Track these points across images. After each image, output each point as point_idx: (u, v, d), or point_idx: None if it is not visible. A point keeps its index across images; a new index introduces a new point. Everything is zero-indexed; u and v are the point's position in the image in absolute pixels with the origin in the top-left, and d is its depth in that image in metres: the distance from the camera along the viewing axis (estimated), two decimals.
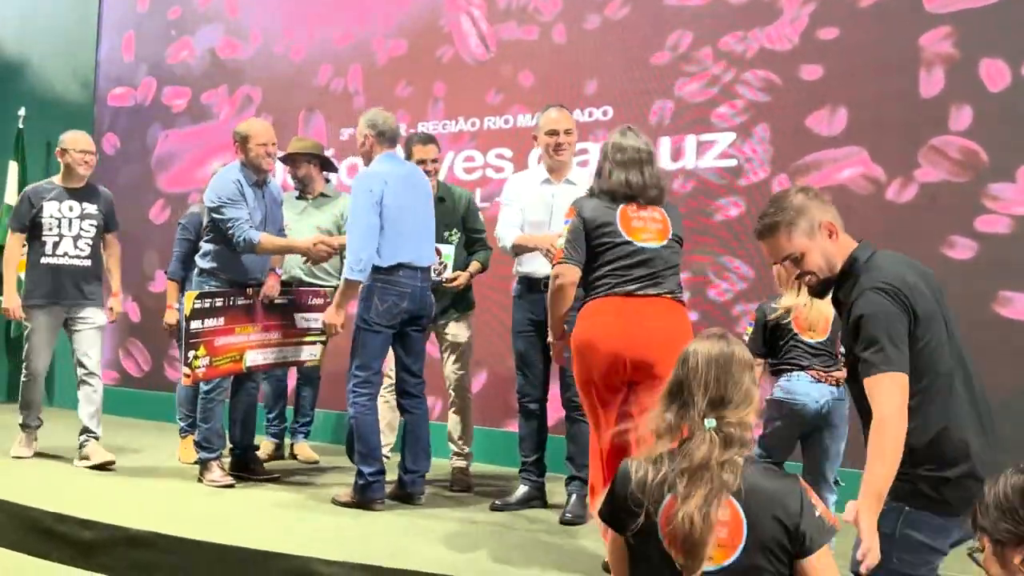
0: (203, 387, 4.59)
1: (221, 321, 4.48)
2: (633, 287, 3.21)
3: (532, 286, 4.21)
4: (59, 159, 5.09)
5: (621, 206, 3.30)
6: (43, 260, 4.98)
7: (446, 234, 4.64)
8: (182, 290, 5.01)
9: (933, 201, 4.49)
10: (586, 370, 3.26)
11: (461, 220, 4.72)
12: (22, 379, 5.16)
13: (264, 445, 5.36)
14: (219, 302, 4.48)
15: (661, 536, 1.97)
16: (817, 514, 1.97)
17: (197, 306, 4.36)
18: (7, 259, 5.07)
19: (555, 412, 4.42)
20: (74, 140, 5.05)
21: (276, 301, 4.76)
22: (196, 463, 4.94)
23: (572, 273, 3.29)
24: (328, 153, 5.79)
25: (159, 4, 7.40)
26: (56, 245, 4.96)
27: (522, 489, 4.30)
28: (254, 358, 4.66)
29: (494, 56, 5.81)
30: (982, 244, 4.38)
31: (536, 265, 4.19)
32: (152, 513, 3.82)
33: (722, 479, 1.95)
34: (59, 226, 4.97)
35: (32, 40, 8.12)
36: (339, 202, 5.27)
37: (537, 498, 4.31)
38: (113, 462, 4.84)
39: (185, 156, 7.13)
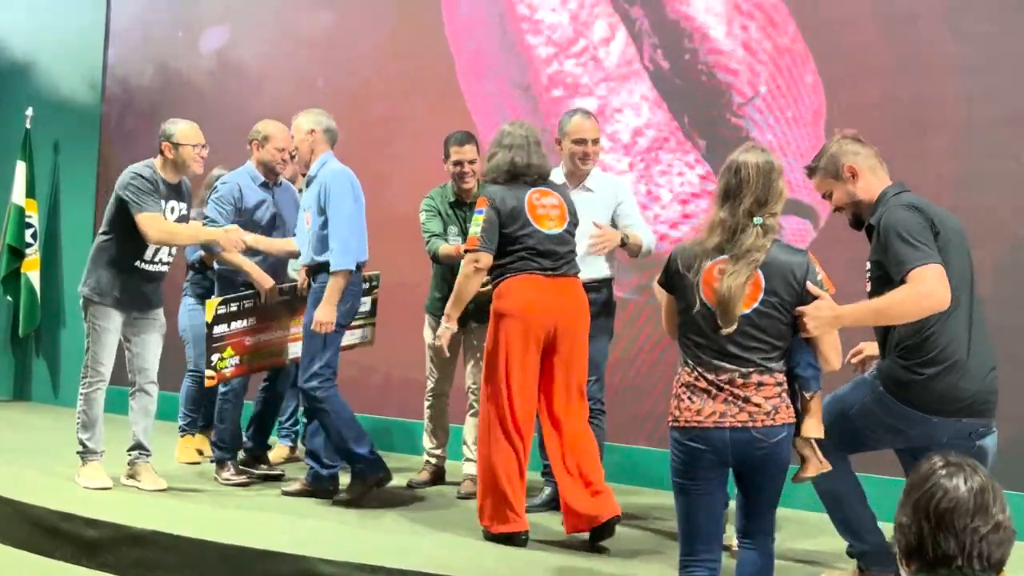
0: (220, 388, 4.61)
1: (252, 321, 4.51)
2: (546, 267, 3.66)
3: None
4: (167, 154, 4.43)
5: (527, 194, 3.71)
6: (137, 263, 4.42)
7: None
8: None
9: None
10: (511, 339, 3.62)
11: None
12: (85, 390, 4.46)
13: (278, 449, 5.38)
14: (247, 304, 4.50)
15: (702, 294, 2.58)
16: (819, 277, 2.61)
17: (221, 311, 4.36)
18: (172, 230, 4.39)
19: None
20: (187, 134, 4.43)
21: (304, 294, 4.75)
22: (194, 463, 5.01)
23: (487, 259, 3.67)
24: None
25: (167, 7, 7.43)
26: (156, 251, 4.45)
27: (547, 491, 4.30)
28: (296, 350, 4.63)
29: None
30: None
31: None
32: (155, 512, 3.84)
33: (757, 259, 2.55)
34: None
35: (40, 42, 8.16)
36: None
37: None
38: (165, 489, 4.40)
39: None
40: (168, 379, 6.58)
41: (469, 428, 4.73)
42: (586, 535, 3.70)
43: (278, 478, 4.81)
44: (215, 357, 4.34)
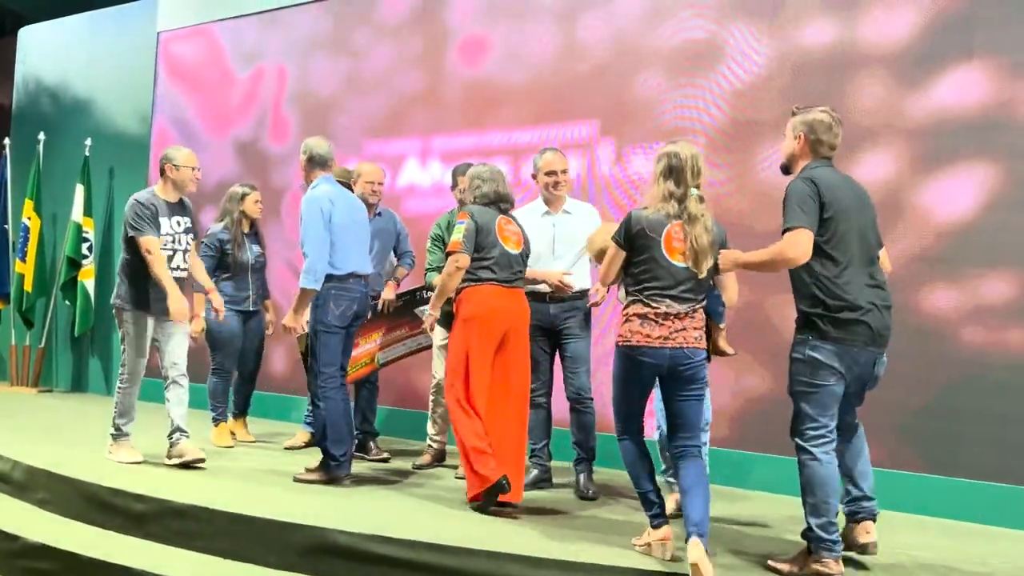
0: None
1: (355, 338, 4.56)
2: (503, 279, 3.88)
3: (537, 298, 4.23)
4: (169, 175, 4.53)
5: (497, 218, 3.93)
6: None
7: None
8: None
9: None
10: (474, 336, 3.83)
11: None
12: (122, 385, 4.54)
13: (300, 434, 5.39)
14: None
15: (663, 250, 3.09)
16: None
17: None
18: (159, 262, 4.37)
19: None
20: (187, 158, 4.56)
21: (395, 306, 4.99)
22: (227, 447, 5.10)
23: (465, 261, 3.85)
24: None
25: (207, 51, 7.46)
26: (171, 259, 4.48)
27: (533, 472, 4.31)
28: (386, 355, 4.95)
29: (498, 83, 5.86)
30: (909, 257, 4.41)
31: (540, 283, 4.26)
32: (194, 489, 3.84)
33: (708, 226, 3.11)
34: (173, 242, 4.52)
35: (98, 82, 8.20)
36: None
37: (546, 479, 4.35)
38: (203, 459, 4.47)
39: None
40: (195, 374, 6.62)
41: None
42: (576, 511, 3.73)
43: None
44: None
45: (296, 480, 4.24)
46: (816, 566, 2.94)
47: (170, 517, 3.58)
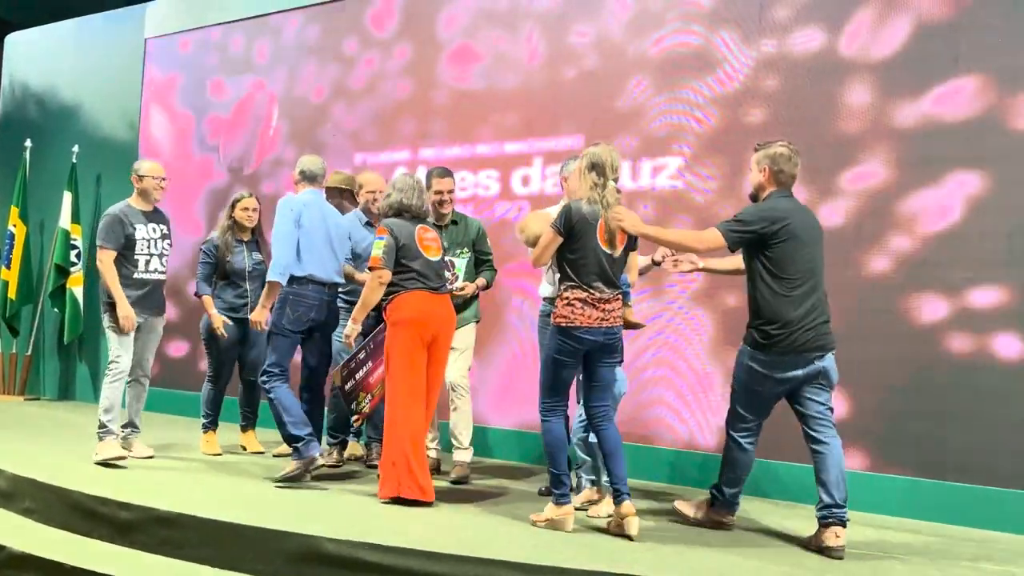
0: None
1: (369, 365, 4.41)
2: (430, 286, 4.08)
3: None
4: (136, 184, 4.86)
5: (416, 229, 4.12)
6: (136, 275, 4.75)
7: (458, 251, 4.69)
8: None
9: (859, 227, 4.52)
10: (407, 339, 3.99)
11: (472, 243, 4.76)
12: (108, 381, 4.70)
13: None
14: (361, 355, 4.38)
15: (598, 238, 3.51)
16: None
17: (345, 374, 4.33)
18: (110, 274, 4.66)
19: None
20: (151, 168, 4.91)
21: None
22: (215, 455, 5.03)
23: (387, 275, 4.03)
24: None
25: (195, 58, 7.43)
26: (148, 263, 4.80)
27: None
28: None
29: (486, 97, 5.84)
30: (897, 262, 4.41)
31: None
32: (180, 496, 3.79)
33: (617, 206, 3.55)
34: (148, 246, 4.80)
35: (85, 88, 8.14)
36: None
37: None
38: (152, 456, 4.84)
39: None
40: (196, 381, 6.57)
41: (453, 421, 4.73)
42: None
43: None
44: (353, 405, 4.41)
45: (277, 483, 4.22)
46: (717, 517, 3.71)
47: (156, 525, 3.54)
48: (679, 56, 5.10)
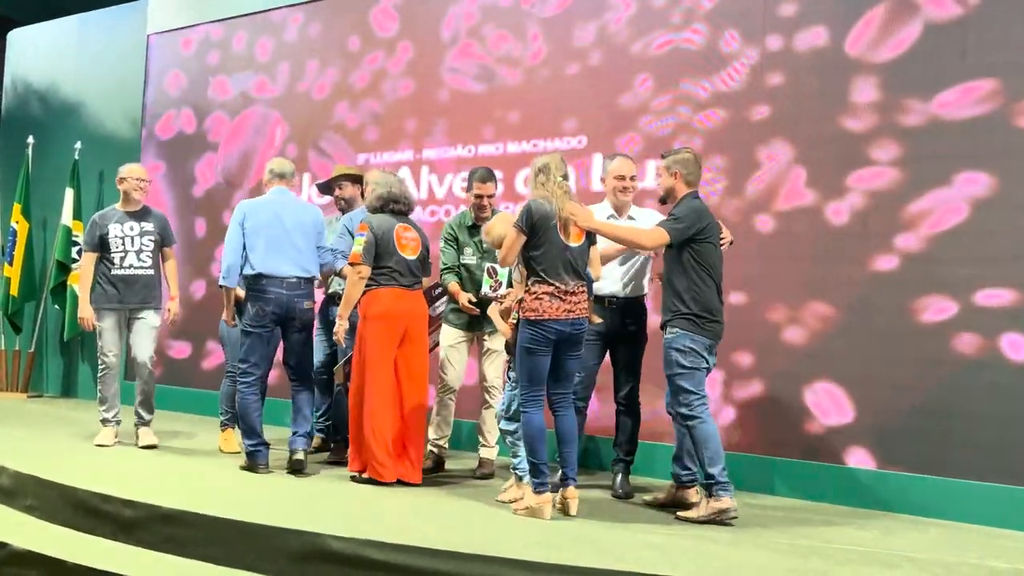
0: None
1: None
2: (404, 284, 4.34)
3: (598, 301, 4.16)
4: (118, 187, 5.24)
5: (396, 227, 4.34)
6: (113, 272, 5.12)
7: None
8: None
9: (864, 225, 4.49)
10: (377, 332, 4.25)
11: None
12: (99, 375, 5.19)
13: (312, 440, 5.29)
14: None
15: (559, 233, 3.70)
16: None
17: (347, 371, 4.49)
18: (83, 275, 5.18)
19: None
20: (131, 170, 5.26)
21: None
22: (235, 453, 5.04)
23: (367, 271, 4.27)
24: None
25: (197, 55, 7.40)
26: (123, 259, 5.12)
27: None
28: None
29: (489, 95, 5.81)
30: (903, 259, 4.38)
31: (598, 285, 4.18)
32: (184, 494, 3.77)
33: (569, 199, 3.78)
34: (124, 243, 5.13)
35: (88, 85, 8.12)
36: None
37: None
38: (155, 446, 5.09)
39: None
40: (212, 379, 6.56)
41: (484, 418, 4.73)
42: (571, 514, 3.71)
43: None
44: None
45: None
46: (717, 504, 3.66)
47: (159, 523, 3.51)
48: (683, 54, 5.07)
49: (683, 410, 3.77)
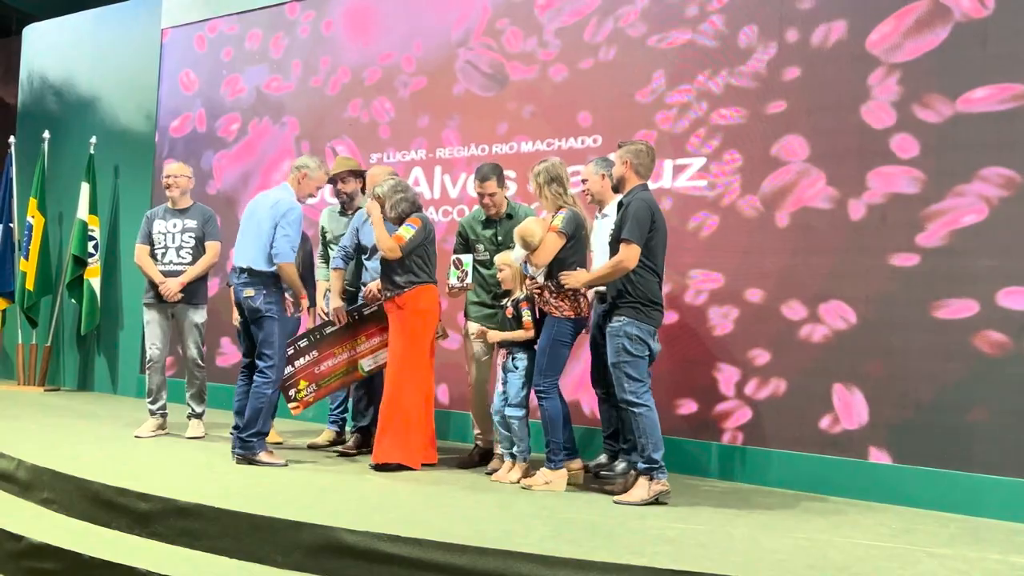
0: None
1: (315, 354, 4.76)
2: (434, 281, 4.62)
3: (602, 298, 4.23)
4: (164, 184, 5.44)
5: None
6: (158, 267, 5.28)
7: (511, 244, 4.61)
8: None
9: (883, 219, 4.44)
10: (430, 327, 4.55)
11: None
12: (146, 369, 5.40)
13: (326, 433, 5.33)
14: (302, 343, 4.75)
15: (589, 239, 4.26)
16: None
17: (289, 352, 4.66)
18: (142, 262, 5.32)
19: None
20: (168, 168, 5.44)
21: (366, 312, 4.86)
22: (276, 443, 5.12)
23: (398, 255, 4.42)
24: None
25: (213, 46, 7.40)
26: (164, 255, 5.28)
27: (602, 457, 4.58)
28: (369, 363, 4.88)
29: (502, 92, 5.78)
30: (923, 256, 4.33)
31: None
32: (199, 487, 3.78)
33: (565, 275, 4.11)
34: (165, 240, 5.30)
35: (103, 80, 8.15)
36: None
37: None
38: (202, 436, 5.29)
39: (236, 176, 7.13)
40: (226, 374, 6.57)
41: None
42: (587, 510, 3.66)
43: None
44: (292, 392, 4.67)
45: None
46: (659, 487, 3.90)
47: (175, 516, 3.52)
48: (699, 49, 5.02)
49: (629, 397, 3.92)
